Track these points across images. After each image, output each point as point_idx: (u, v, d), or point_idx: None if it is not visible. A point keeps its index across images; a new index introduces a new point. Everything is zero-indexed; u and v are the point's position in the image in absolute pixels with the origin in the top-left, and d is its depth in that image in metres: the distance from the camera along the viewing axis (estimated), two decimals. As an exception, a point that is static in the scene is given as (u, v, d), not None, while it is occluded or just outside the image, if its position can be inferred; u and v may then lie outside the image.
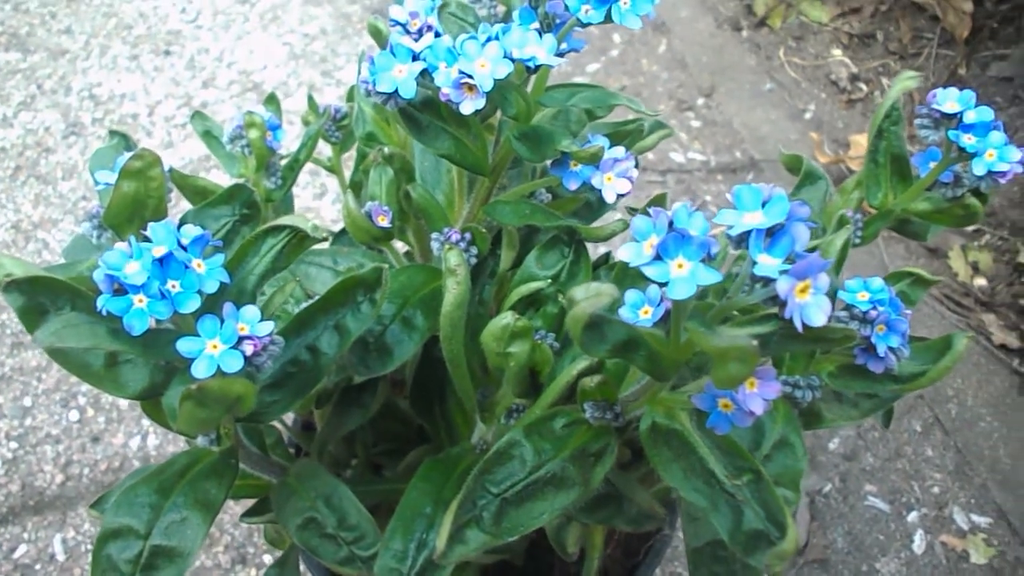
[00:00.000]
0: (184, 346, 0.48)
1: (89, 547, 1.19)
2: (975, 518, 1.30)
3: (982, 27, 1.84)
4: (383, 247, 0.69)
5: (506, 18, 0.61)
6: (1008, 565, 1.24)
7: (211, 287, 0.49)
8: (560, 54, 0.61)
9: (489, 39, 0.53)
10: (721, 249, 0.45)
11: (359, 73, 0.61)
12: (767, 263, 0.40)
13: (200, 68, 1.90)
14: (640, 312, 0.47)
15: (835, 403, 0.62)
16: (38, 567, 1.17)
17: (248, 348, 0.49)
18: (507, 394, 0.63)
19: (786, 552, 0.45)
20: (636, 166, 0.68)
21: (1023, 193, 1.63)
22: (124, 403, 1.33)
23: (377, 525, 0.65)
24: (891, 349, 0.54)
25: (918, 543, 1.28)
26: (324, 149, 1.14)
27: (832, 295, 0.55)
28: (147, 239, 0.50)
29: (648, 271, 0.41)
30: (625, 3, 0.55)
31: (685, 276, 0.41)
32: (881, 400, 0.61)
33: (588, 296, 0.41)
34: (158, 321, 0.49)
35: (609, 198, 0.59)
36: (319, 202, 1.65)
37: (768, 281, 0.40)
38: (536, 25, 0.56)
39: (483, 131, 0.61)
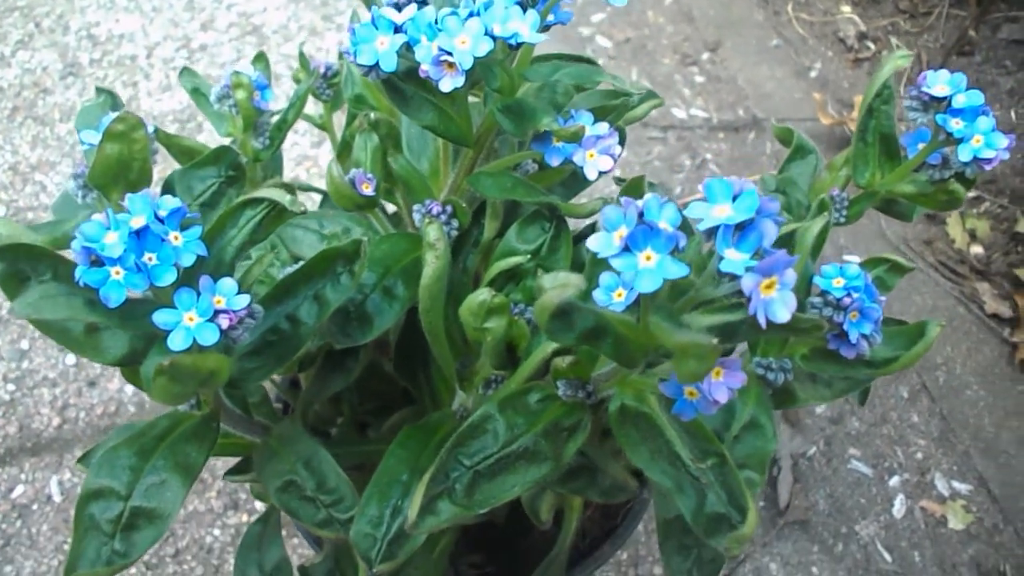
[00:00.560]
0: (161, 318, 0.49)
1: (85, 489, 1.21)
2: (956, 484, 1.32)
3: (996, -13, 1.81)
4: (368, 214, 0.69)
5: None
6: (985, 531, 1.27)
7: (188, 260, 0.50)
8: (546, 27, 0.61)
9: (471, 14, 0.52)
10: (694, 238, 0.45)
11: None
12: (734, 258, 0.41)
13: (199, 9, 1.87)
14: (614, 295, 0.47)
15: (809, 383, 0.62)
16: (35, 507, 1.20)
17: (224, 322, 0.50)
18: (486, 364, 0.64)
19: (744, 536, 0.46)
20: (621, 142, 0.68)
21: (1026, 160, 1.62)
22: (120, 349, 1.35)
23: (361, 484, 0.67)
24: (864, 336, 0.54)
25: (898, 507, 1.30)
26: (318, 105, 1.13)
27: (807, 281, 0.56)
28: (125, 210, 0.50)
29: (615, 263, 0.41)
30: (611, -21, 0.54)
31: (652, 268, 0.41)
32: (856, 381, 0.61)
33: (555, 286, 0.41)
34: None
35: (590, 175, 0.59)
36: (317, 151, 1.64)
37: (734, 276, 0.41)
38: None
39: (467, 103, 0.61)
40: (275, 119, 0.82)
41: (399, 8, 0.60)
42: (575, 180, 0.70)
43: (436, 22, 0.53)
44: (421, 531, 0.53)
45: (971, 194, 1.58)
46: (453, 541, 0.77)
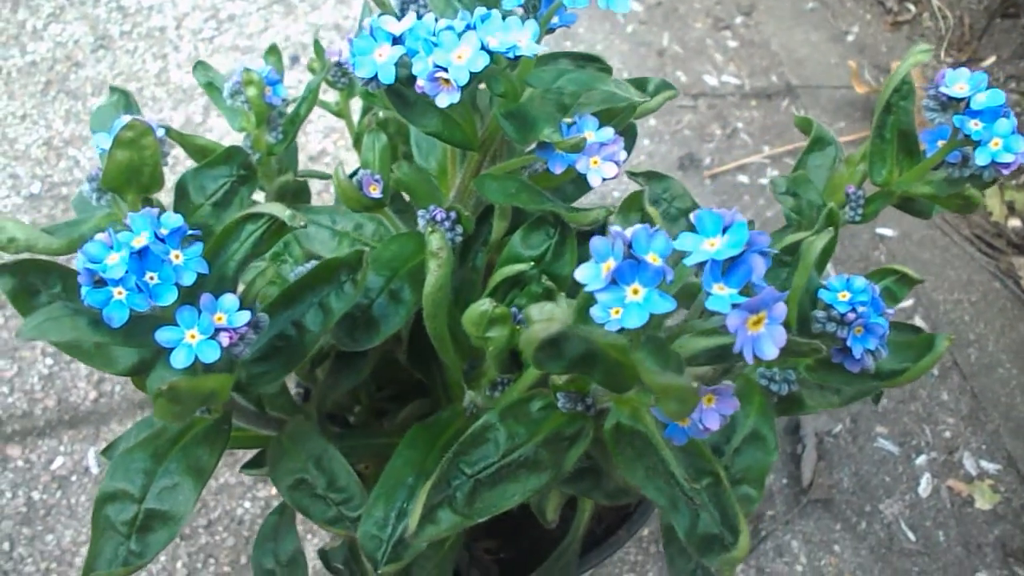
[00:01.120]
0: (163, 336, 0.50)
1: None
2: (984, 464, 1.30)
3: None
4: (377, 214, 0.69)
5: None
6: (1012, 512, 1.25)
7: (188, 279, 0.50)
8: (551, 29, 0.60)
9: (468, 27, 0.51)
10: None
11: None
12: (721, 293, 0.40)
13: (227, -22, 1.86)
14: (611, 312, 0.47)
15: (817, 389, 0.62)
16: (74, 478, 1.24)
17: (224, 339, 0.50)
18: (492, 367, 0.64)
19: (736, 559, 0.46)
20: (632, 137, 0.67)
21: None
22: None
23: (378, 473, 0.68)
24: (868, 351, 0.54)
25: (924, 486, 1.29)
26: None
27: (812, 295, 0.55)
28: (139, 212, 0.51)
29: (601, 297, 0.41)
30: (613, -16, 0.53)
31: (639, 303, 0.41)
32: (865, 389, 0.61)
33: (542, 319, 0.41)
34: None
35: (594, 182, 0.58)
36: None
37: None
38: (520, 9, 0.54)
39: (470, 108, 0.60)
40: (291, 108, 0.82)
41: (404, 12, 0.59)
42: (582, 180, 0.70)
43: (434, 33, 0.52)
44: (421, 540, 0.54)
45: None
46: (465, 532, 0.78)
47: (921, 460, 1.31)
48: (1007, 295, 1.42)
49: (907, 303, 1.45)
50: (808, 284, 0.54)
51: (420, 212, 0.63)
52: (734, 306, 0.39)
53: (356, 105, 0.94)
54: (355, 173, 0.68)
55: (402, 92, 0.59)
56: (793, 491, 1.28)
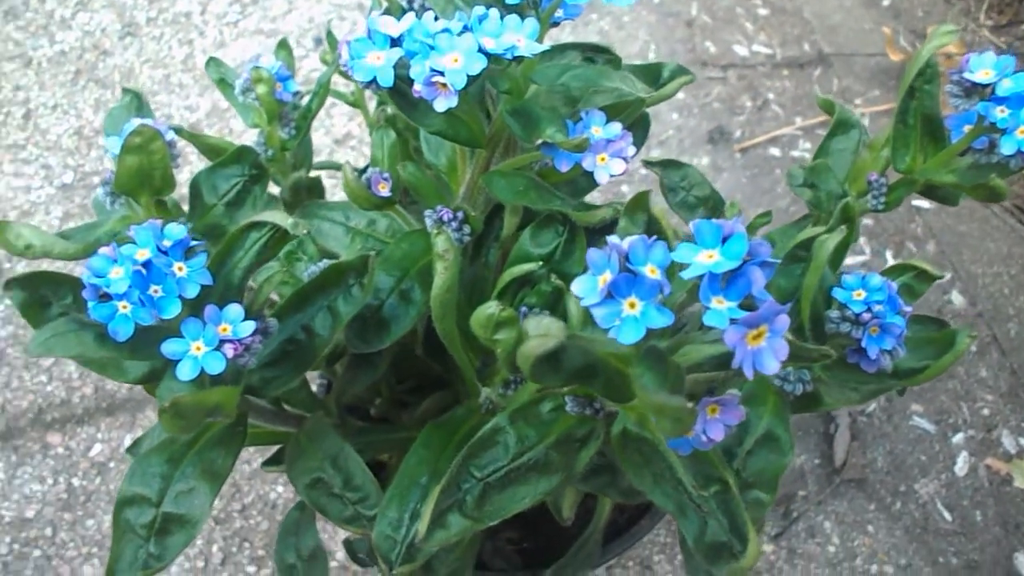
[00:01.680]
0: (169, 348, 0.50)
1: (156, 448, 1.28)
2: (1024, 442, 1.27)
3: None
4: (388, 212, 0.69)
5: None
6: (1053, 491, 1.23)
7: (192, 291, 0.51)
8: (555, 23, 0.58)
9: (465, 28, 0.50)
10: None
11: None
12: (720, 307, 0.39)
13: (250, -41, 1.86)
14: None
15: (835, 386, 0.60)
16: (112, 465, 1.27)
17: (229, 351, 0.51)
18: (503, 368, 0.64)
19: (743, 569, 0.46)
20: (645, 128, 0.65)
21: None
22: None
23: (399, 466, 0.68)
24: (885, 351, 0.52)
25: (961, 465, 1.26)
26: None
27: (826, 293, 0.53)
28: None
29: (597, 312, 0.40)
30: (614, -20, 0.51)
31: (636, 317, 0.40)
32: (883, 387, 0.59)
33: (538, 334, 0.40)
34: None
35: (601, 179, 0.57)
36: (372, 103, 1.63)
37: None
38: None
39: (475, 105, 0.59)
40: (305, 100, 0.82)
41: (410, 5, 0.58)
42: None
43: (431, 36, 0.51)
44: (431, 545, 0.54)
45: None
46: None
47: (958, 438, 1.28)
48: (1049, 268, 1.37)
49: (944, 278, 1.41)
50: (821, 283, 0.52)
51: (427, 212, 0.62)
52: (732, 321, 0.38)
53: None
54: (364, 170, 0.67)
55: (405, 92, 0.58)
56: (826, 471, 1.27)
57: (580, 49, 0.63)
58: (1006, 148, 0.56)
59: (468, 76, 0.49)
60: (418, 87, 0.50)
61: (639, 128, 0.67)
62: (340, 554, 1.17)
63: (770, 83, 1.63)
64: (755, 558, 0.46)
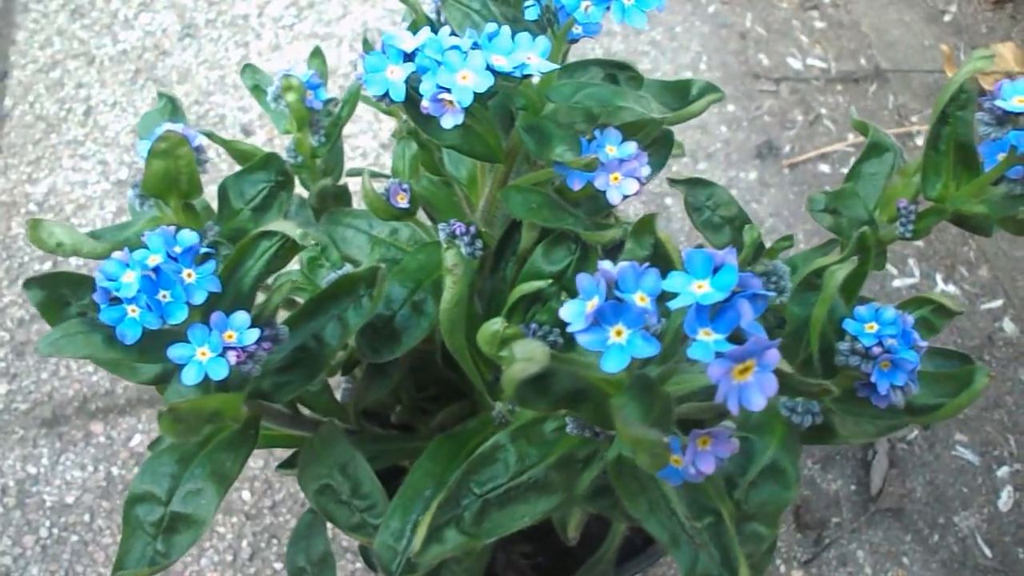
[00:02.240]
0: (175, 352, 0.51)
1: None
2: (1073, 479, 1.22)
3: None
4: (408, 222, 0.69)
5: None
6: (1101, 532, 1.17)
7: (199, 298, 0.52)
8: (573, 39, 0.58)
9: (475, 45, 0.50)
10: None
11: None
12: (707, 339, 0.38)
13: (309, -36, 1.89)
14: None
15: (850, 418, 0.59)
16: (150, 455, 1.30)
17: (232, 358, 0.51)
18: (512, 383, 0.64)
19: (732, 605, 0.45)
20: (668, 145, 0.64)
21: None
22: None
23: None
24: (896, 387, 0.51)
25: (1004, 499, 1.22)
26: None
27: (837, 324, 0.52)
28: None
29: (582, 339, 0.40)
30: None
31: (622, 345, 0.39)
32: (897, 423, 0.57)
33: (522, 358, 0.40)
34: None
35: (613, 199, 0.57)
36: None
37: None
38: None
39: (491, 118, 0.59)
40: (338, 108, 0.83)
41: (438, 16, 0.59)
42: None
43: (443, 52, 0.51)
44: (427, 559, 0.54)
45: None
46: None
47: (1003, 472, 1.24)
48: (1109, 298, 1.32)
49: (996, 303, 1.37)
50: (831, 314, 0.51)
51: (440, 226, 0.63)
52: (719, 355, 0.38)
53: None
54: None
55: (420, 105, 0.58)
56: (861, 498, 1.24)
57: (603, 66, 0.63)
58: (1037, 180, 0.54)
59: (475, 94, 0.49)
60: (426, 103, 0.51)
61: (662, 147, 0.66)
62: (353, 560, 1.17)
63: (823, 98, 1.60)
64: (745, 595, 0.45)
